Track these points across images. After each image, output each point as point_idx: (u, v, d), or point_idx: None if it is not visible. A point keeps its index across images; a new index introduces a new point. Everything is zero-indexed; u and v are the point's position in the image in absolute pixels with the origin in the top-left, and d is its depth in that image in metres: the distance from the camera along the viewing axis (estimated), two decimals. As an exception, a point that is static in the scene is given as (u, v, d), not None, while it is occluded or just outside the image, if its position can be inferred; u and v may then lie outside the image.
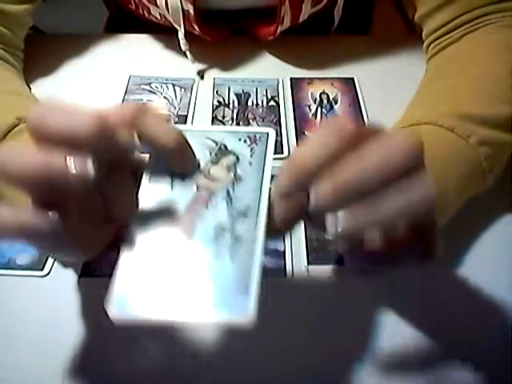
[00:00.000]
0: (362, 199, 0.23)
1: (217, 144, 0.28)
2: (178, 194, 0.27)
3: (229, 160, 0.28)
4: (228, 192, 0.26)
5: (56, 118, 0.23)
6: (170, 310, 0.23)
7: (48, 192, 0.24)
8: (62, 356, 0.33)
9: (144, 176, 0.27)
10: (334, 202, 0.23)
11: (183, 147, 0.27)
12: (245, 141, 0.28)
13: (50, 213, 0.24)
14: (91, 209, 0.28)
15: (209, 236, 0.25)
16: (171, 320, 0.23)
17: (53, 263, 0.38)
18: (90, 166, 0.24)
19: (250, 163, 0.27)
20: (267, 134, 0.29)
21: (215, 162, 0.28)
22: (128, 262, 0.25)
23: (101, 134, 0.23)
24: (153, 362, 0.33)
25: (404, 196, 0.23)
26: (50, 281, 0.37)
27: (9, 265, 0.38)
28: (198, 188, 0.27)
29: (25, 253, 0.38)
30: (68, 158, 0.24)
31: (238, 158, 0.28)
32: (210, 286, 0.24)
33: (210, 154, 0.28)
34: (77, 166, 0.24)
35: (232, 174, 0.27)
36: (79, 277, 0.37)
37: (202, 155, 0.28)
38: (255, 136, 0.29)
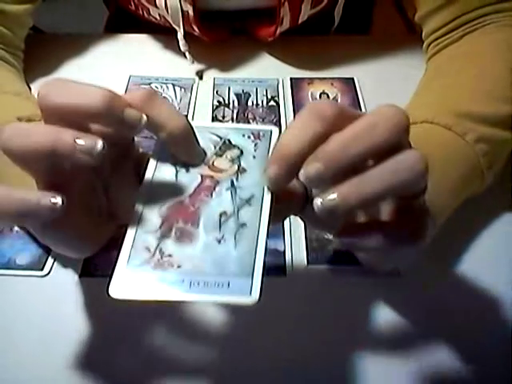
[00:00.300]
0: (351, 173, 0.23)
1: (221, 139, 0.29)
2: (182, 182, 0.27)
3: (233, 153, 0.28)
4: (232, 182, 0.27)
5: (68, 90, 0.24)
6: (172, 289, 0.23)
7: (53, 171, 0.24)
8: (63, 355, 0.33)
9: (149, 163, 0.27)
10: (322, 173, 0.23)
11: (189, 135, 0.27)
12: (249, 137, 0.29)
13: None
14: (93, 202, 0.28)
15: (213, 222, 0.25)
16: (173, 299, 0.23)
17: (53, 263, 0.38)
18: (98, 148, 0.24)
19: (254, 157, 0.28)
20: (271, 131, 0.29)
21: (220, 154, 0.28)
22: (131, 242, 0.25)
23: (111, 107, 0.23)
24: (152, 361, 0.33)
25: (394, 170, 0.23)
26: (50, 281, 0.37)
27: (9, 265, 0.38)
28: (202, 177, 0.27)
29: (25, 253, 0.38)
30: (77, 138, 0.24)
31: (241, 152, 0.28)
32: (214, 269, 0.24)
33: (215, 147, 0.28)
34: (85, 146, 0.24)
35: (236, 166, 0.27)
36: (79, 277, 0.37)
37: (207, 148, 0.28)
38: (259, 133, 0.29)
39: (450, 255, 0.39)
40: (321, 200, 0.23)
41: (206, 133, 0.29)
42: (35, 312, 0.36)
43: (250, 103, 0.52)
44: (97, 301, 0.36)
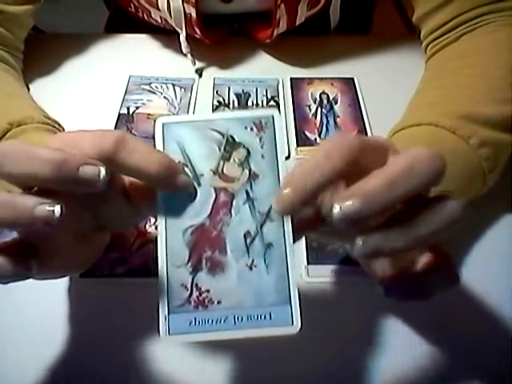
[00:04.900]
0: (389, 213, 0.23)
1: (223, 136, 0.27)
2: (197, 199, 0.26)
3: (240, 154, 0.27)
4: (247, 193, 0.26)
5: (17, 157, 0.23)
6: (218, 328, 0.24)
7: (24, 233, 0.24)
8: (62, 355, 0.33)
9: (158, 195, 0.26)
10: (361, 212, 0.22)
11: (170, 169, 0.25)
12: (251, 129, 0.27)
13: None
14: (82, 226, 0.28)
15: (240, 245, 0.25)
16: (221, 339, 0.24)
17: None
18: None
19: (263, 156, 0.27)
20: (272, 117, 0.28)
21: (227, 158, 0.27)
22: (166, 279, 0.25)
23: (60, 172, 0.22)
24: (153, 361, 0.33)
25: (437, 216, 0.23)
26: (50, 281, 0.37)
27: (9, 265, 0.38)
28: (216, 191, 0.26)
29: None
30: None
31: (248, 152, 0.27)
32: (253, 301, 0.24)
33: (219, 148, 0.27)
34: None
35: (247, 172, 0.27)
36: (79, 277, 0.37)
37: (211, 151, 0.27)
38: (261, 122, 0.27)
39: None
40: (363, 240, 0.23)
41: (206, 130, 0.27)
42: (35, 312, 0.36)
43: (249, 103, 0.52)
44: (97, 301, 0.36)
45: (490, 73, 0.41)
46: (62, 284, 0.37)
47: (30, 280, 0.37)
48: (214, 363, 0.33)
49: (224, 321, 0.24)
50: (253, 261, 0.25)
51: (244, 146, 0.27)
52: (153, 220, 0.41)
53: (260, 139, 0.27)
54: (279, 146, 0.27)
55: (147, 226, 0.40)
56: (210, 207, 0.26)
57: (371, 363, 0.33)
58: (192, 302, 0.24)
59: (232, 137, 0.27)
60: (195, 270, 0.25)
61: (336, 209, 0.23)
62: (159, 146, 0.27)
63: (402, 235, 0.23)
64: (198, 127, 0.27)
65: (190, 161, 0.27)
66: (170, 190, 0.25)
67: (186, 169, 0.26)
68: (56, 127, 0.40)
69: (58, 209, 0.22)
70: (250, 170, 0.27)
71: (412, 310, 0.36)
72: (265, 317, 0.24)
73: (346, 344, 0.34)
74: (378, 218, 0.24)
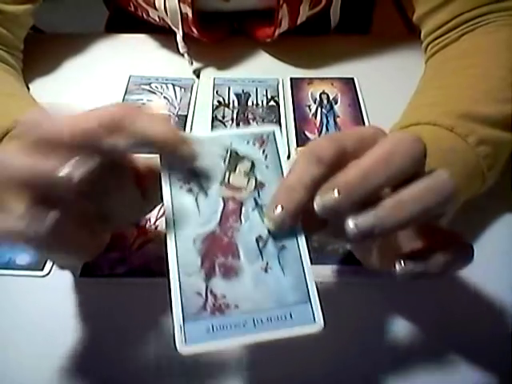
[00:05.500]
0: (373, 198, 0.23)
1: (227, 151, 0.27)
2: (206, 209, 0.26)
3: (245, 166, 0.27)
4: (256, 201, 0.26)
5: (43, 125, 0.23)
6: (238, 333, 0.23)
7: (38, 197, 0.24)
8: (62, 355, 0.33)
9: (163, 190, 0.26)
10: (340, 202, 0.23)
11: (175, 136, 0.25)
12: (254, 143, 0.28)
13: (43, 213, 0.23)
14: (86, 213, 0.28)
15: (253, 250, 0.25)
16: (243, 343, 0.24)
17: (53, 263, 0.38)
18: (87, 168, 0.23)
19: (267, 166, 0.27)
20: (273, 132, 0.28)
21: (232, 169, 0.27)
22: (178, 288, 0.24)
23: (82, 137, 0.23)
24: (153, 361, 0.33)
25: (427, 189, 0.23)
26: (50, 281, 0.37)
27: (9, 265, 0.38)
28: (224, 200, 0.26)
29: (25, 253, 0.38)
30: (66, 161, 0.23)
31: (253, 163, 0.27)
32: (272, 303, 0.24)
33: (224, 161, 0.27)
34: (74, 169, 0.23)
35: (253, 181, 0.27)
36: (79, 277, 0.37)
37: (216, 165, 0.27)
38: (262, 136, 0.28)
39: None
40: (355, 222, 0.23)
41: (208, 146, 0.27)
42: (35, 312, 0.36)
43: (249, 103, 0.52)
44: (97, 301, 0.36)
45: (490, 73, 0.41)
46: (62, 284, 0.37)
47: (30, 280, 0.37)
48: (215, 363, 0.33)
49: (243, 325, 0.23)
50: (267, 263, 0.25)
51: (248, 159, 0.27)
52: (153, 220, 0.41)
53: (263, 151, 0.28)
54: (282, 157, 0.27)
55: (147, 226, 0.40)
56: (219, 215, 0.26)
57: (371, 363, 0.33)
58: (208, 309, 0.23)
59: (235, 151, 0.27)
60: (209, 276, 0.24)
61: (317, 201, 0.23)
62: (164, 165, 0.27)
63: (392, 213, 0.23)
64: (201, 144, 0.27)
65: (195, 174, 0.27)
66: (175, 156, 0.25)
67: (192, 182, 0.26)
68: None
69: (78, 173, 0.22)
70: (255, 180, 0.27)
71: (412, 309, 0.36)
72: (285, 317, 0.23)
73: (346, 344, 0.34)
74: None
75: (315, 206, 0.24)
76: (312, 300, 0.24)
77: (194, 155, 0.26)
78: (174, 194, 0.26)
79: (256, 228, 0.25)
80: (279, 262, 0.25)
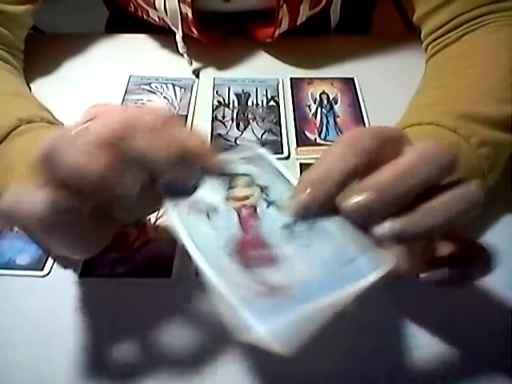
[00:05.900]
0: (404, 205, 0.23)
1: (221, 174, 0.27)
2: (222, 224, 0.25)
3: (244, 180, 0.27)
4: (267, 200, 0.26)
5: (62, 160, 0.23)
6: (309, 302, 0.22)
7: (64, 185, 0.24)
8: (62, 355, 0.33)
9: (171, 216, 0.25)
10: (373, 204, 0.23)
11: (182, 152, 0.24)
12: (245, 164, 0.28)
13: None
14: (98, 205, 0.28)
15: (284, 237, 0.24)
16: (332, 311, 0.23)
17: (53, 263, 0.38)
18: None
19: (265, 174, 0.27)
20: (262, 155, 0.28)
21: (234, 186, 0.27)
22: (230, 297, 0.22)
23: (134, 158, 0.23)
24: (153, 361, 0.33)
25: (457, 199, 0.23)
26: (50, 281, 0.37)
27: (9, 265, 0.38)
28: (236, 210, 0.26)
29: (25, 253, 0.38)
30: None
31: (251, 176, 0.27)
32: (334, 264, 0.23)
33: (223, 182, 0.27)
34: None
35: (257, 188, 0.27)
36: (79, 277, 0.37)
37: (216, 186, 0.27)
38: (251, 158, 0.28)
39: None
40: (384, 224, 0.23)
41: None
42: (35, 312, 0.35)
43: (249, 103, 0.52)
44: (97, 301, 0.36)
45: (490, 73, 0.41)
46: (62, 284, 0.37)
47: (30, 280, 0.37)
48: (215, 363, 0.33)
49: (312, 295, 0.22)
50: (306, 241, 0.24)
51: (245, 175, 0.27)
52: (153, 220, 0.41)
53: (254, 165, 0.28)
54: (277, 166, 0.27)
55: (147, 226, 0.40)
56: (237, 221, 0.26)
57: (375, 364, 0.33)
58: (267, 297, 0.22)
59: (229, 173, 0.27)
60: (251, 272, 0.24)
61: (350, 202, 0.23)
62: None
63: (421, 219, 0.23)
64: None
65: (199, 197, 0.26)
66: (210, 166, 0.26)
67: (198, 205, 0.26)
68: None
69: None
70: (259, 186, 0.27)
71: (415, 311, 0.36)
72: (349, 273, 0.23)
73: (351, 344, 0.34)
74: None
75: (348, 204, 0.23)
76: (371, 248, 0.23)
77: (223, 163, 0.27)
78: (181, 218, 0.25)
79: (278, 220, 0.25)
80: (315, 238, 0.24)
